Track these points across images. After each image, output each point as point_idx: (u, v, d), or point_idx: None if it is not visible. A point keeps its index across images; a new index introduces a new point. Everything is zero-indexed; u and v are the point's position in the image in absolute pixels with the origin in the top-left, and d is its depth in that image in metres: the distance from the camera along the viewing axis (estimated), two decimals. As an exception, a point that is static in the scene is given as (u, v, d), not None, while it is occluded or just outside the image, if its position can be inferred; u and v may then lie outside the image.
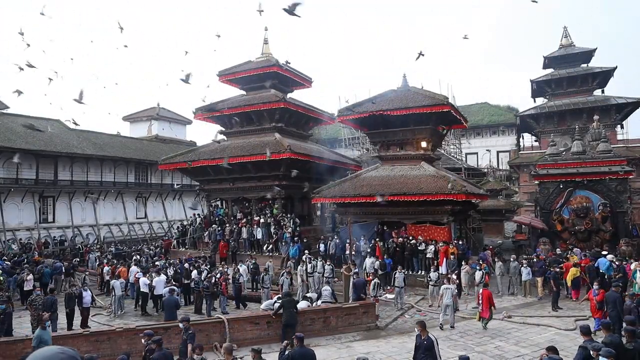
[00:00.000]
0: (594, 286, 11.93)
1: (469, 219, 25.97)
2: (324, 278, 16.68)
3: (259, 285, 17.54)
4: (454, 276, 14.89)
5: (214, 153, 25.39)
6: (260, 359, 7.03)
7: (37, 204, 30.12)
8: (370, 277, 15.34)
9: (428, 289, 15.98)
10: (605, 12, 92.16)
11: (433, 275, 15.62)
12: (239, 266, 18.05)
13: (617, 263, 15.12)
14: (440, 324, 12.63)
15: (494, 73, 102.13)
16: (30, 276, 16.68)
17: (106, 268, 19.16)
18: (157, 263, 20.06)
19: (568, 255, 17.75)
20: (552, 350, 6.95)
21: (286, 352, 7.61)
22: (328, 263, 17.32)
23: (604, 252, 17.02)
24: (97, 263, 23.08)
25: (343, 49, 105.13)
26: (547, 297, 15.55)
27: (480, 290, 12.54)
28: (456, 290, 13.69)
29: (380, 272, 16.92)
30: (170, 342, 11.29)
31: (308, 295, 14.74)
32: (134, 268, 17.72)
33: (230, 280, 16.26)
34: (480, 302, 12.14)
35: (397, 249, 19.00)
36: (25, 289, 16.35)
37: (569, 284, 15.53)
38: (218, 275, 15.71)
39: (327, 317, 12.75)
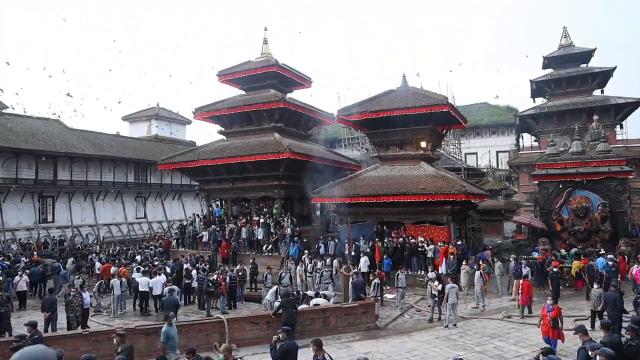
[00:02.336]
0: (547, 301, 10.14)
1: (469, 219, 25.98)
2: (322, 283, 16.25)
3: (259, 285, 17.49)
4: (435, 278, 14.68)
5: (214, 153, 25.40)
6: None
7: (36, 204, 30.13)
8: (372, 277, 15.34)
9: (427, 289, 15.95)
10: (605, 12, 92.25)
11: (431, 275, 15.61)
12: (239, 266, 17.98)
13: (611, 264, 15.10)
14: (449, 324, 12.74)
15: (493, 73, 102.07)
16: (24, 277, 16.66)
17: (113, 268, 19.07)
18: (156, 263, 20.04)
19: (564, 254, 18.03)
20: (548, 351, 6.93)
21: (277, 346, 7.76)
22: (327, 269, 16.69)
23: (602, 252, 17.07)
24: (102, 262, 22.88)
25: (343, 49, 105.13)
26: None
27: (521, 282, 13.94)
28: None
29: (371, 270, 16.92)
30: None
31: (306, 293, 14.67)
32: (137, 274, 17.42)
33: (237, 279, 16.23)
34: (520, 291, 13.44)
35: (397, 247, 18.99)
36: (17, 290, 16.35)
37: (573, 275, 16.50)
38: (218, 275, 15.70)
39: (327, 317, 12.75)
